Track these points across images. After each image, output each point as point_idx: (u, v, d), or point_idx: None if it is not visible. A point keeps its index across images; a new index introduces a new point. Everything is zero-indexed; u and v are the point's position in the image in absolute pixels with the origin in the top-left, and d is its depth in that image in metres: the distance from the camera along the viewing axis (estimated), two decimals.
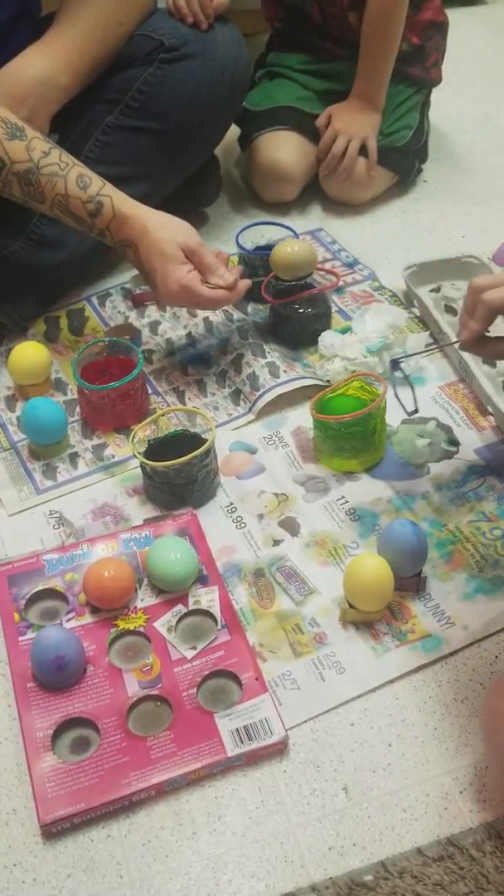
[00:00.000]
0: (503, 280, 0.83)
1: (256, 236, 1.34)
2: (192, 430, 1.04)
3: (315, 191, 1.51)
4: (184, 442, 1.01)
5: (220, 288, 1.07)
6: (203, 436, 1.03)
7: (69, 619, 0.90)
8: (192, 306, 1.13)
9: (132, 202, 1.08)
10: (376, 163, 1.44)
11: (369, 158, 1.42)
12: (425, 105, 1.52)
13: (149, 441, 1.03)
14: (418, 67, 1.48)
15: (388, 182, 1.51)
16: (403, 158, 1.49)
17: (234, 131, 1.46)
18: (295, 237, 1.28)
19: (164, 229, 1.06)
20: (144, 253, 1.06)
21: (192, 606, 0.90)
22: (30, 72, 1.13)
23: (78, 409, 1.13)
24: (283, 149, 1.44)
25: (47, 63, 1.14)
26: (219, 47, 1.26)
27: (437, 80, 1.53)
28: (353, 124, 1.42)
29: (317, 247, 1.41)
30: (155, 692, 0.84)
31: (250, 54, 1.35)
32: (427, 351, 1.12)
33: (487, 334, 0.87)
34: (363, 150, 1.42)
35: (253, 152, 1.47)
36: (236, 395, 1.15)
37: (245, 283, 1.10)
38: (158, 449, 1.01)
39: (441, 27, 1.50)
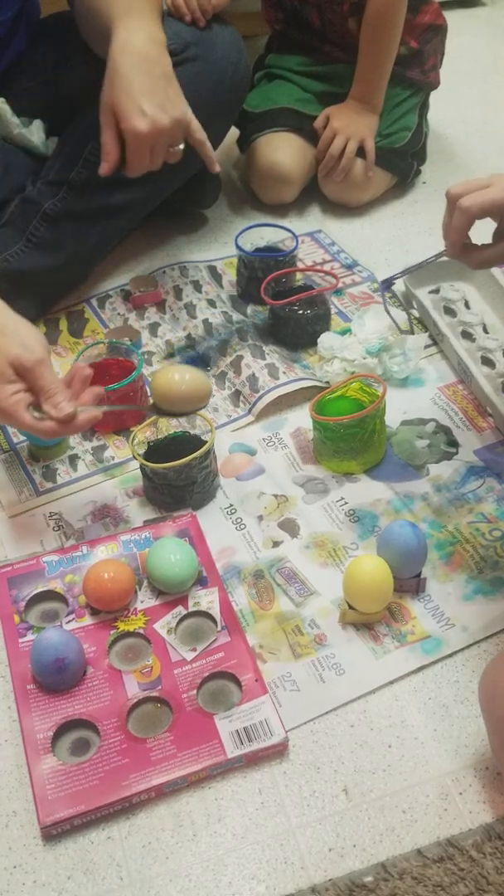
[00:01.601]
0: (477, 185, 0.82)
1: (256, 238, 1.34)
2: (191, 432, 1.04)
3: (314, 192, 1.51)
4: (183, 444, 1.01)
5: (51, 419, 0.87)
6: (202, 437, 1.03)
7: (69, 621, 0.90)
8: (19, 427, 0.94)
9: None
10: (374, 164, 1.44)
11: (367, 159, 1.43)
12: (423, 107, 1.53)
13: (148, 443, 1.03)
14: (416, 71, 1.48)
15: (386, 184, 1.51)
16: (401, 160, 1.49)
17: (232, 133, 1.46)
18: (294, 241, 1.28)
19: None
20: None
21: (191, 608, 0.90)
22: (138, 35, 1.08)
23: None
24: (282, 150, 1.44)
25: (142, 24, 1.09)
26: (219, 51, 1.26)
27: (435, 84, 1.53)
28: (350, 125, 1.42)
29: (316, 248, 1.42)
30: (155, 694, 0.84)
31: (249, 56, 1.35)
32: (417, 267, 1.06)
33: (473, 243, 0.86)
34: (361, 152, 1.42)
35: (252, 154, 1.47)
36: (236, 397, 1.15)
37: (88, 417, 0.89)
38: (158, 450, 1.01)
39: (440, 31, 1.50)
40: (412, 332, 1.20)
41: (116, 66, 1.07)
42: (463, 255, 0.87)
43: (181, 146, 1.13)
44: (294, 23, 1.50)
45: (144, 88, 1.06)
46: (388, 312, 1.16)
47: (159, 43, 1.10)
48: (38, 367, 0.87)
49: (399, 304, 1.29)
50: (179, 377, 0.92)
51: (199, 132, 1.13)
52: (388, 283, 1.13)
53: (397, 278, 1.11)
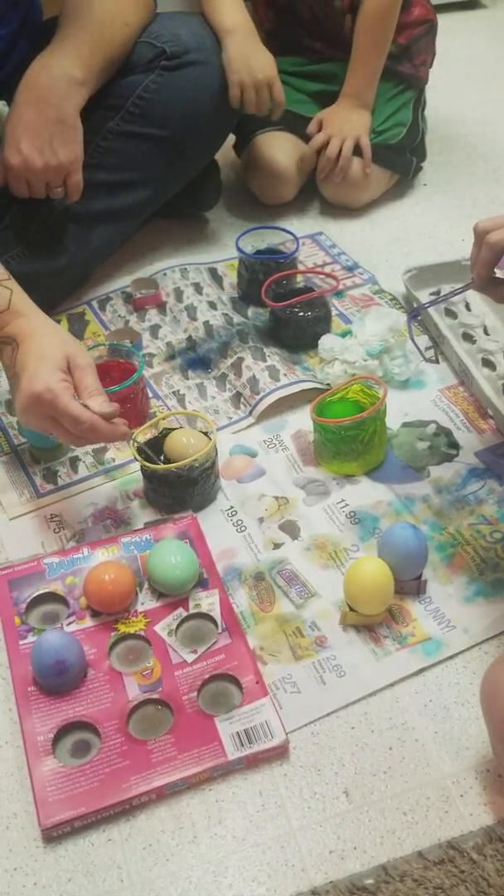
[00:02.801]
0: None
1: (257, 240, 1.34)
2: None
3: (314, 194, 1.51)
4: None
5: (93, 413, 0.90)
6: None
7: (70, 623, 0.90)
8: (49, 421, 0.93)
9: (33, 305, 0.99)
10: (371, 161, 1.44)
11: (363, 157, 1.43)
12: (419, 103, 1.53)
13: (147, 443, 1.03)
14: (407, 66, 1.49)
15: (386, 183, 1.51)
16: (399, 156, 1.49)
17: (229, 137, 1.46)
18: (294, 244, 1.28)
19: (53, 335, 0.96)
20: (23, 352, 0.94)
21: (192, 610, 0.90)
22: (46, 72, 1.13)
23: None
24: (279, 147, 1.44)
25: (58, 61, 1.14)
26: (221, 55, 1.26)
27: (424, 80, 1.53)
28: (345, 125, 1.42)
29: (317, 250, 1.42)
30: (155, 696, 0.84)
31: None
32: (445, 297, 1.07)
33: (499, 276, 0.88)
34: (357, 150, 1.43)
35: (249, 153, 1.48)
36: (236, 399, 1.15)
37: (123, 430, 0.93)
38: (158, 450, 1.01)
39: (430, 28, 1.51)
40: (437, 362, 1.17)
41: (17, 96, 1.13)
42: (490, 288, 0.89)
43: (60, 188, 1.17)
44: (285, 19, 1.50)
45: (30, 127, 1.12)
46: (413, 341, 1.11)
47: (71, 84, 1.14)
48: (88, 368, 0.94)
49: (400, 306, 1.29)
50: (186, 440, 1.01)
51: (75, 185, 1.17)
52: (415, 314, 1.12)
53: (424, 308, 1.10)
